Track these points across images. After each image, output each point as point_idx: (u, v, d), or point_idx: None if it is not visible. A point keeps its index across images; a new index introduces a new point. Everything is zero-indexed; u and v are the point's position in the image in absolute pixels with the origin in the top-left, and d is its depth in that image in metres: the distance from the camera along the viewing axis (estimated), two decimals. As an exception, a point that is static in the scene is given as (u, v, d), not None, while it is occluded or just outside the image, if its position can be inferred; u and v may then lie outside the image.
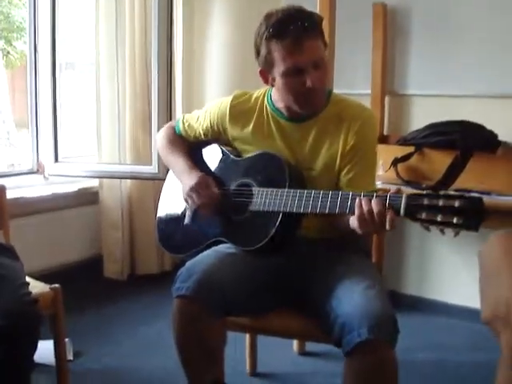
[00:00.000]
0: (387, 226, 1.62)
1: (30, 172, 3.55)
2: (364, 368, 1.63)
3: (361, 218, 1.65)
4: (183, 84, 3.82)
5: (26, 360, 1.85)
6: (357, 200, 1.67)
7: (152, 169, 3.26)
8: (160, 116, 3.20)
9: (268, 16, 1.87)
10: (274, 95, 2.02)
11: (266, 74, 1.94)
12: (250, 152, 2.04)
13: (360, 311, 1.64)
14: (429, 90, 3.22)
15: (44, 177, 3.54)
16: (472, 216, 1.49)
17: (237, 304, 1.83)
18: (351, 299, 1.70)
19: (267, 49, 1.86)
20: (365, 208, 1.64)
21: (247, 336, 2.55)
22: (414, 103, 3.33)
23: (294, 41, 1.80)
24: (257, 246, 1.89)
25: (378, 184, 2.69)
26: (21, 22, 6.90)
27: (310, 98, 1.89)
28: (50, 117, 3.45)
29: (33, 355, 1.86)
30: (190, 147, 2.22)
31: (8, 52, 7.24)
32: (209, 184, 2.02)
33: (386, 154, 2.84)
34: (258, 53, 1.92)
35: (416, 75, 3.26)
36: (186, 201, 2.06)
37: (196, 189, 2.00)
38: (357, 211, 1.66)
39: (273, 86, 1.95)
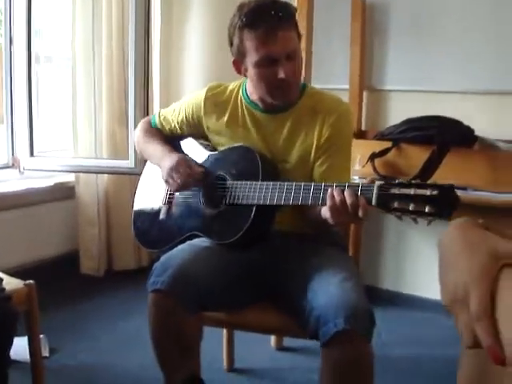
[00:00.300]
0: (360, 214, 1.60)
1: (5, 166, 3.50)
2: (340, 359, 1.62)
3: (333, 209, 1.65)
4: (160, 79, 3.79)
5: (1, 356, 1.83)
6: (329, 190, 1.66)
7: (129, 163, 3.24)
8: (137, 111, 3.18)
9: (241, 6, 1.86)
10: (248, 87, 2.01)
11: (238, 64, 1.94)
12: (225, 144, 2.04)
13: (336, 302, 1.64)
14: (406, 85, 3.23)
15: (19, 171, 3.49)
16: (444, 204, 1.49)
17: (212, 298, 1.82)
18: (327, 291, 1.70)
19: (239, 38, 1.85)
20: (337, 198, 1.64)
21: (224, 331, 2.54)
22: (391, 98, 3.34)
23: (267, 31, 1.79)
24: (231, 240, 1.88)
25: (355, 179, 2.69)
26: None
27: (282, 89, 1.88)
28: (26, 111, 3.40)
29: (9, 352, 1.84)
30: (166, 138, 2.20)
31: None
32: (190, 163, 2.01)
33: (363, 149, 2.85)
34: (231, 43, 1.91)
35: (394, 71, 3.27)
36: (167, 182, 2.03)
37: (177, 168, 1.98)
38: (329, 202, 1.65)
39: (245, 76, 1.94)
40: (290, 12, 1.85)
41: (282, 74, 1.82)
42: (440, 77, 3.10)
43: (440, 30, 3.09)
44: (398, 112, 3.25)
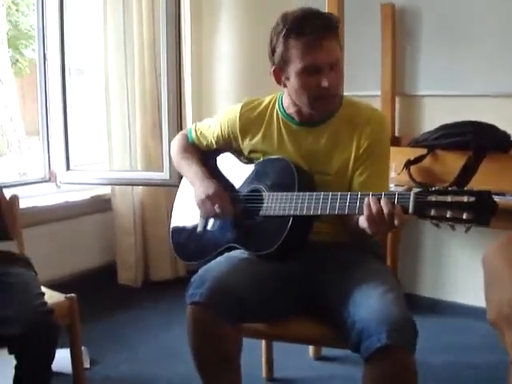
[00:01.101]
0: (396, 223, 1.60)
1: (42, 181, 3.57)
2: (384, 373, 1.61)
3: (370, 218, 1.65)
4: (192, 92, 3.83)
5: (44, 369, 1.87)
6: (365, 200, 1.66)
7: (164, 175, 3.26)
8: (170, 123, 3.20)
9: (285, 15, 1.87)
10: (284, 100, 2.02)
11: (279, 73, 1.93)
12: (261, 158, 2.04)
13: (378, 316, 1.63)
14: (439, 90, 3.20)
15: (56, 185, 3.56)
16: (482, 210, 1.48)
17: (250, 310, 1.82)
18: (369, 304, 1.69)
19: (284, 46, 1.84)
20: (373, 208, 1.64)
21: (263, 341, 2.54)
22: (424, 104, 3.31)
23: (313, 39, 1.80)
24: (269, 251, 1.89)
25: (391, 186, 2.68)
26: (29, 30, 6.93)
27: (324, 99, 1.88)
28: (61, 125, 3.46)
29: (51, 365, 1.88)
30: (202, 155, 2.22)
31: (17, 60, 7.27)
32: (224, 198, 2.02)
33: (398, 156, 2.83)
34: (273, 51, 1.90)
35: (426, 76, 3.24)
36: (199, 207, 2.06)
37: (211, 198, 2.01)
38: (365, 211, 1.65)
39: (285, 85, 1.93)
40: (334, 22, 1.85)
41: (325, 83, 1.82)
42: (473, 81, 3.06)
43: (471, 34, 3.06)
44: (431, 117, 3.23)
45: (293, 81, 1.88)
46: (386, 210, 1.62)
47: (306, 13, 1.85)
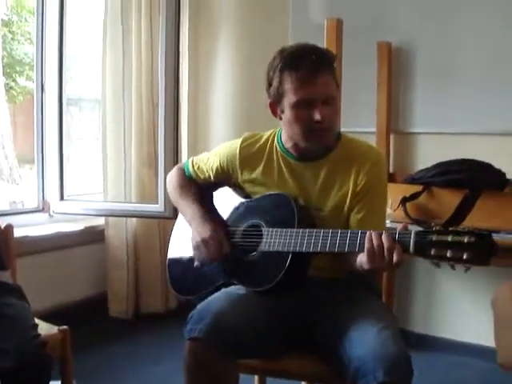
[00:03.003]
0: (395, 260, 1.61)
1: (36, 210, 3.55)
2: None
3: (370, 252, 1.65)
4: (188, 126, 3.85)
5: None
6: (367, 234, 1.67)
7: (158, 207, 3.26)
8: (167, 155, 3.21)
9: (282, 50, 1.90)
10: (283, 135, 2.03)
11: (275, 106, 1.95)
12: (260, 193, 2.04)
13: (375, 353, 1.62)
14: (433, 127, 3.24)
15: (49, 215, 3.54)
16: (482, 251, 1.49)
17: (248, 346, 1.81)
18: (365, 341, 1.68)
19: (280, 80, 1.87)
20: (375, 242, 1.64)
21: (256, 378, 2.51)
22: (418, 141, 3.35)
23: (307, 73, 1.82)
24: (267, 287, 1.87)
25: (387, 223, 2.68)
26: (23, 58, 6.96)
27: (317, 132, 1.88)
28: (56, 155, 3.46)
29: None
30: (200, 190, 2.21)
31: (10, 87, 7.27)
32: (220, 241, 2.00)
33: (393, 193, 2.84)
34: (269, 85, 1.93)
35: (421, 113, 3.28)
36: (194, 249, 2.04)
37: (207, 242, 1.98)
38: (367, 244, 1.65)
39: (281, 118, 1.95)
40: (330, 58, 1.88)
41: (317, 116, 1.83)
42: (468, 119, 3.11)
43: (467, 72, 3.11)
44: (425, 154, 3.27)
45: (287, 114, 1.90)
46: (386, 245, 1.62)
47: (302, 48, 1.88)
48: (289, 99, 1.87)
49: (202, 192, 2.20)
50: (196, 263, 2.07)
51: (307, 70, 1.82)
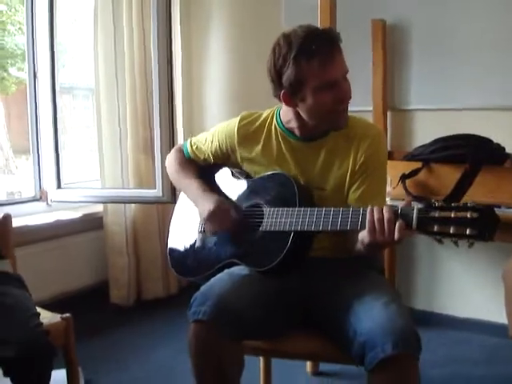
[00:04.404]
0: (396, 236, 1.60)
1: (33, 199, 3.53)
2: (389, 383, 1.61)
3: (371, 224, 1.64)
4: (183, 109, 3.83)
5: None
6: (368, 208, 1.67)
7: (156, 192, 3.25)
8: (162, 140, 3.19)
9: (287, 36, 1.84)
10: (283, 115, 2.00)
11: (289, 96, 1.89)
12: (260, 172, 2.03)
13: (382, 327, 1.63)
14: (430, 104, 3.22)
15: (47, 204, 3.52)
16: (485, 226, 1.49)
17: (252, 327, 1.81)
18: (372, 315, 1.68)
19: (296, 68, 1.81)
20: (376, 215, 1.64)
21: (261, 358, 2.51)
22: (415, 118, 3.33)
23: (326, 56, 1.80)
24: (269, 266, 1.87)
25: (388, 201, 2.67)
26: (14, 49, 6.93)
27: (341, 114, 1.89)
28: (52, 143, 3.44)
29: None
30: (200, 169, 2.20)
31: (3, 78, 7.25)
32: (227, 209, 2.00)
33: (392, 170, 2.82)
34: (279, 76, 1.87)
35: (417, 90, 3.26)
36: (206, 221, 2.02)
37: (213, 214, 1.98)
38: (368, 216, 1.65)
39: (297, 106, 1.90)
40: (338, 36, 1.85)
41: (343, 94, 1.85)
42: (464, 94, 3.09)
43: (461, 47, 3.08)
44: (423, 131, 3.25)
45: (310, 100, 1.85)
46: (387, 217, 1.62)
47: (310, 31, 1.83)
48: (312, 85, 1.82)
49: (202, 172, 2.19)
50: (198, 244, 2.07)
51: (325, 53, 1.80)
